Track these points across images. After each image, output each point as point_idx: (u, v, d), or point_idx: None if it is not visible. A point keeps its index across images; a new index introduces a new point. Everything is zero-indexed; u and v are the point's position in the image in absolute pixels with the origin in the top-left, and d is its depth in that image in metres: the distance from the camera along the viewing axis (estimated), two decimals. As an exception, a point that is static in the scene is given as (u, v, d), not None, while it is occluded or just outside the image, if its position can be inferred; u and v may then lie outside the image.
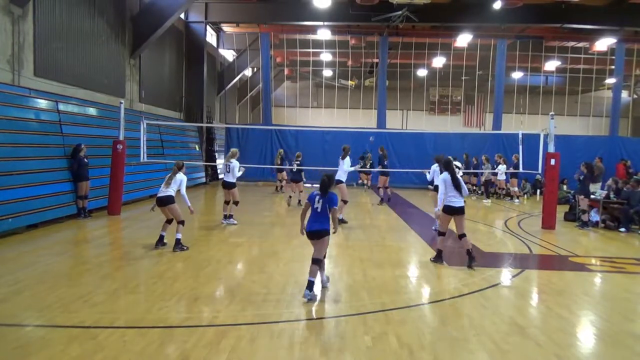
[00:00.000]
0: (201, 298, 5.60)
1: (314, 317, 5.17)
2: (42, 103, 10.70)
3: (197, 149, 20.84)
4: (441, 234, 7.69)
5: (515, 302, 5.96)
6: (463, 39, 21.51)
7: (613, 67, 22.10)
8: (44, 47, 11.08)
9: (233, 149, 10.99)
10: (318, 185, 5.91)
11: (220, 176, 22.86)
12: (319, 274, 5.86)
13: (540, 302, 6.06)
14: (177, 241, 8.02)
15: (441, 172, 7.90)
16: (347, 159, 11.11)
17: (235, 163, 10.51)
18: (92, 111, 12.85)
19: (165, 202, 8.04)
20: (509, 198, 17.38)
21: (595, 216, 11.99)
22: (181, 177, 8.20)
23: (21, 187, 9.30)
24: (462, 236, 7.39)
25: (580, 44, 23.09)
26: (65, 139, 11.11)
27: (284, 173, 17.44)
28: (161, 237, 8.17)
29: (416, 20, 18.70)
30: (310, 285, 5.60)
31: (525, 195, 18.76)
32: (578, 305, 5.84)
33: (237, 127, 22.58)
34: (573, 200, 13.11)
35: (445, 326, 5.06)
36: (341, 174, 10.86)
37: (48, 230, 9.51)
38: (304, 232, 5.93)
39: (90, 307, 5.14)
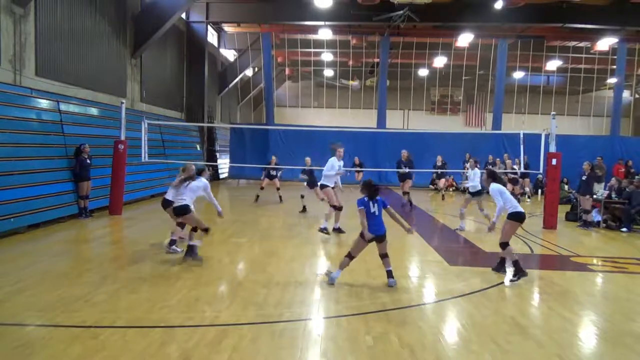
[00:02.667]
0: (202, 298, 5.60)
1: (315, 317, 5.17)
2: (44, 103, 10.71)
3: (199, 148, 20.86)
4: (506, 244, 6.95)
5: (517, 302, 5.95)
6: (464, 39, 21.49)
7: (614, 66, 22.07)
8: (46, 47, 11.09)
9: (189, 165, 7.89)
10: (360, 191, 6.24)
11: (222, 176, 23.01)
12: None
13: (542, 302, 6.05)
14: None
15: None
16: (334, 159, 9.64)
17: (203, 183, 7.64)
18: (93, 111, 12.86)
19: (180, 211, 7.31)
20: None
21: (596, 216, 11.98)
22: (203, 183, 7.55)
23: (23, 187, 9.31)
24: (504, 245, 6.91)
25: (582, 44, 23.07)
26: (67, 139, 11.12)
27: (275, 180, 14.90)
28: (191, 248, 7.25)
29: (417, 20, 18.70)
30: (390, 274, 6.17)
31: (527, 195, 18.76)
32: (579, 305, 5.84)
33: (240, 127, 22.61)
34: (574, 200, 13.10)
35: (447, 326, 5.06)
36: (330, 177, 9.62)
37: (49, 230, 9.52)
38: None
39: (92, 307, 5.14)
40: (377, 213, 6.04)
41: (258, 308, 5.30)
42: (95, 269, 6.78)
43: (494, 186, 6.96)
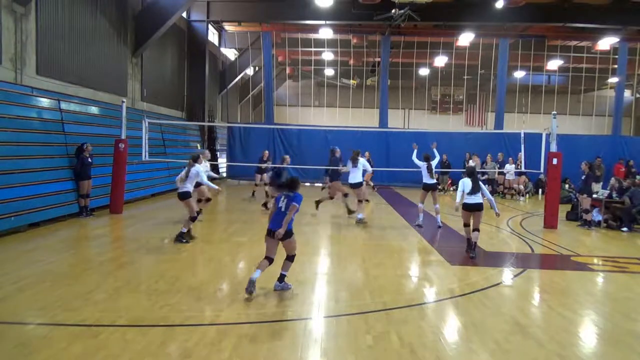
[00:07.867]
0: (203, 297, 5.60)
1: (316, 316, 5.17)
2: (45, 102, 10.71)
3: (199, 147, 20.84)
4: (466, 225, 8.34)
5: (517, 301, 5.95)
6: (465, 38, 21.46)
7: (616, 66, 22.05)
8: (47, 46, 11.09)
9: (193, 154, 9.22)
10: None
11: (223, 175, 23.02)
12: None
13: (542, 302, 6.04)
14: (181, 234, 8.48)
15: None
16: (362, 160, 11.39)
17: (198, 168, 8.69)
18: (94, 110, 12.86)
19: (182, 196, 8.53)
20: (511, 196, 17.65)
21: (597, 215, 11.97)
22: (196, 169, 8.54)
23: (23, 185, 9.31)
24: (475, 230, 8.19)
25: (583, 43, 23.01)
26: (68, 138, 11.13)
27: (265, 175, 14.75)
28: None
29: (418, 19, 18.64)
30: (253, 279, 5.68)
31: (528, 195, 18.76)
32: (580, 305, 5.83)
33: (239, 126, 22.59)
34: (575, 200, 13.09)
35: (447, 325, 5.05)
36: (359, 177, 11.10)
37: (50, 228, 9.52)
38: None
39: (92, 306, 5.15)
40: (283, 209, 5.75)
41: (258, 307, 5.30)
42: (96, 267, 6.79)
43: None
